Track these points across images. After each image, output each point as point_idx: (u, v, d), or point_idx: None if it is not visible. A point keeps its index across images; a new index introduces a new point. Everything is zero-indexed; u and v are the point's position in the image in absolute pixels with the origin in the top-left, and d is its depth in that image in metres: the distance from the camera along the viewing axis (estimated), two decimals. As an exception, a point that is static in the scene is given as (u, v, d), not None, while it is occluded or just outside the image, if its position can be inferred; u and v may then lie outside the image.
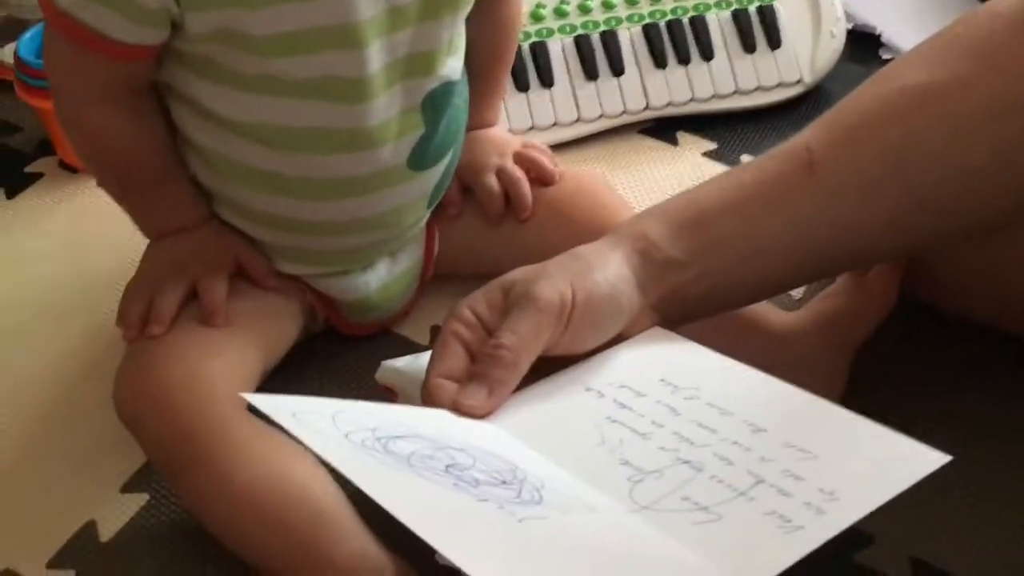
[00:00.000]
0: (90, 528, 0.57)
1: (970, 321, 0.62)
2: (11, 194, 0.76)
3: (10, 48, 0.83)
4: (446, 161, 0.60)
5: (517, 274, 0.49)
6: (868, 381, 0.59)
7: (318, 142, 0.54)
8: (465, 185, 0.65)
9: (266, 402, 0.42)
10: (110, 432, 0.60)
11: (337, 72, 0.52)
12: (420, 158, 0.57)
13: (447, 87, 0.57)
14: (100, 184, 0.60)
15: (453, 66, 0.57)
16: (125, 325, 0.57)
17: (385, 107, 0.54)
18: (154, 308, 0.56)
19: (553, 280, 0.47)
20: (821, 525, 0.39)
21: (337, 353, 0.64)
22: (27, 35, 0.75)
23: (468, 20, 0.58)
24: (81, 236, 0.73)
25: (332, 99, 0.53)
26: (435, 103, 0.56)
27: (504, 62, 0.66)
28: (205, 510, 0.52)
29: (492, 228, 0.65)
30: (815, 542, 0.38)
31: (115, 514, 0.57)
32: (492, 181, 0.64)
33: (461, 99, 0.60)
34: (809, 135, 0.52)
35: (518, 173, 0.64)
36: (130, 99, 0.55)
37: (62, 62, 0.54)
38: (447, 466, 0.41)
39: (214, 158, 0.57)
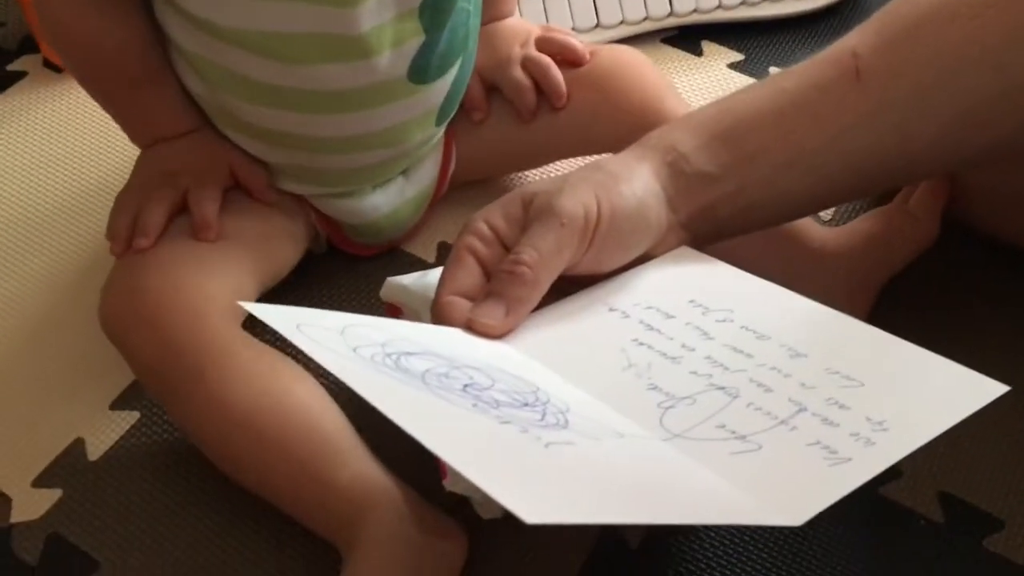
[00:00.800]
0: (78, 446, 0.54)
1: (1010, 244, 0.59)
2: (-7, 92, 0.73)
3: (-9, -63, 0.78)
4: (453, 73, 0.56)
5: (538, 186, 0.45)
6: (900, 307, 0.56)
7: (309, 50, 0.50)
8: (489, 84, 0.61)
9: (268, 312, 0.39)
10: (98, 349, 0.57)
11: None
12: (421, 70, 0.53)
13: None
14: (81, 84, 0.56)
15: None
16: (112, 238, 0.53)
17: (376, 10, 0.50)
18: (140, 220, 0.53)
19: (577, 192, 0.43)
20: (871, 457, 0.36)
21: (338, 271, 0.61)
22: (7, -79, 0.70)
23: None
24: (64, 141, 0.70)
25: (320, 1, 0.49)
26: (436, 7, 0.52)
27: None
28: (198, 430, 0.50)
29: (523, 126, 0.60)
30: (864, 476, 0.35)
31: (104, 432, 0.55)
32: (519, 73, 0.60)
33: (469, 3, 0.55)
34: (856, 39, 0.49)
35: (545, 58, 0.60)
36: None
37: None
38: (465, 385, 0.38)
39: (207, 68, 0.53)
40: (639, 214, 0.45)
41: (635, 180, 0.45)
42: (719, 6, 0.75)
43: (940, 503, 0.51)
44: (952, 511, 0.51)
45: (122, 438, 0.54)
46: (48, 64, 0.74)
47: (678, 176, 0.46)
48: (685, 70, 0.74)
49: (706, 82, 0.73)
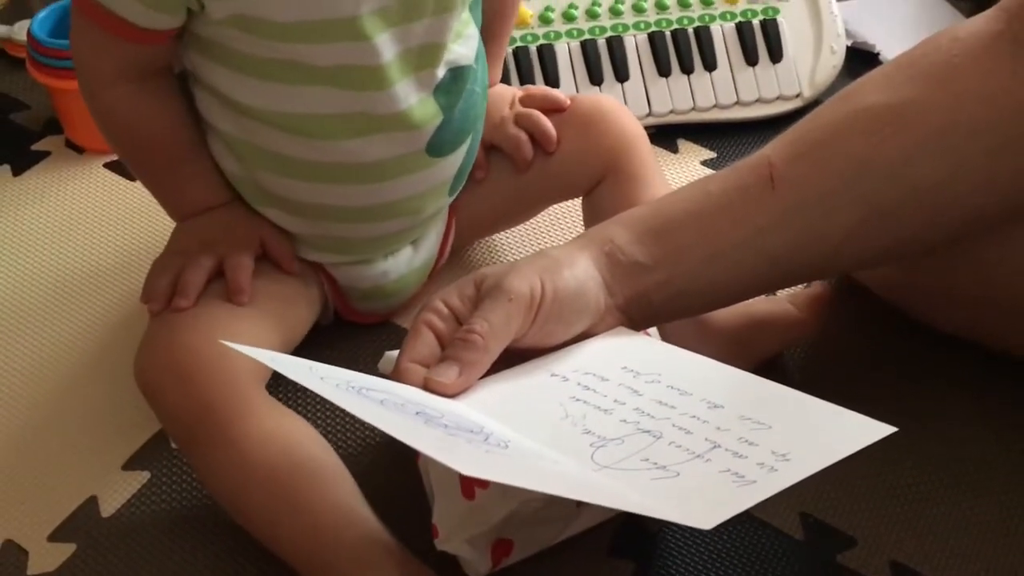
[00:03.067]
0: (92, 504, 0.58)
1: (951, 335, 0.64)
2: (17, 171, 0.77)
3: (20, 26, 0.83)
4: (465, 147, 0.61)
5: (489, 270, 0.51)
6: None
7: (336, 129, 0.56)
8: (487, 145, 0.66)
9: (257, 353, 0.45)
10: (112, 411, 0.62)
11: (349, 60, 0.54)
12: (439, 145, 0.59)
13: (457, 73, 0.58)
14: (125, 163, 0.61)
15: (460, 52, 0.58)
16: (152, 298, 0.57)
17: (403, 95, 0.56)
18: (181, 282, 0.57)
19: (524, 274, 0.49)
20: (773, 480, 0.41)
21: (337, 341, 0.65)
22: (41, 14, 0.76)
23: None
24: (85, 215, 0.74)
25: (347, 86, 0.54)
26: (448, 90, 0.58)
27: (505, 22, 0.67)
28: (217, 481, 0.53)
29: (518, 177, 0.65)
30: (766, 494, 0.41)
31: (117, 491, 0.58)
32: (514, 130, 0.66)
33: (478, 86, 0.61)
34: (772, 150, 0.54)
35: (535, 112, 0.66)
36: (148, 80, 0.56)
37: (85, 42, 0.55)
38: (417, 412, 0.44)
39: (238, 145, 0.58)
40: (579, 295, 0.50)
41: (576, 266, 0.51)
42: (693, 108, 0.81)
43: (892, 571, 0.55)
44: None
45: (134, 497, 0.58)
46: (70, 145, 0.79)
47: (615, 265, 0.52)
48: (662, 165, 0.78)
49: (681, 177, 0.79)
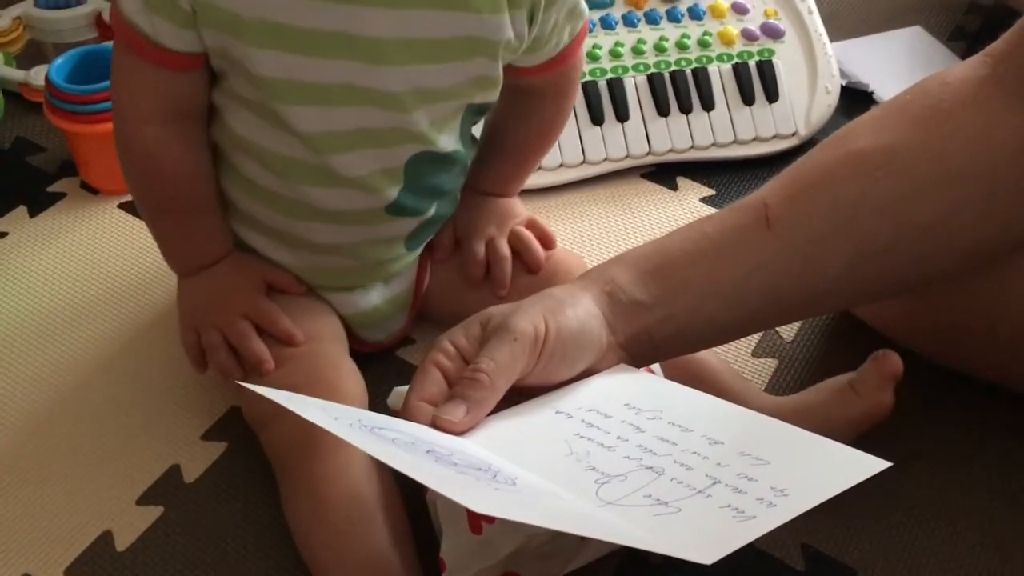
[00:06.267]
0: (106, 538, 0.59)
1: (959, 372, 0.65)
2: (34, 212, 0.79)
3: (37, 71, 0.86)
4: (428, 215, 0.63)
5: (495, 309, 0.52)
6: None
7: (299, 172, 0.58)
8: (458, 238, 0.68)
9: (260, 390, 0.47)
10: (125, 441, 0.63)
11: (315, 126, 0.55)
12: (397, 208, 0.61)
13: (435, 158, 0.59)
14: (140, 207, 0.63)
15: (444, 142, 0.59)
16: (225, 372, 0.60)
17: (358, 163, 0.57)
18: (246, 354, 0.60)
19: (528, 314, 0.50)
20: (772, 515, 0.43)
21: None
22: (58, 60, 0.78)
23: (508, 110, 0.62)
24: (101, 253, 0.76)
25: (312, 147, 0.56)
26: (419, 170, 0.59)
27: (538, 154, 0.69)
28: (297, 508, 0.56)
29: (497, 293, 0.66)
30: (765, 528, 0.42)
31: (132, 523, 0.60)
32: (479, 248, 0.67)
33: (456, 167, 0.62)
34: (767, 191, 0.56)
35: (505, 251, 0.66)
36: (182, 122, 0.58)
37: (124, 77, 0.57)
38: (427, 451, 0.45)
39: (234, 171, 0.60)
40: (582, 334, 0.51)
41: (578, 306, 0.52)
42: (692, 147, 0.83)
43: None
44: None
45: (146, 532, 0.59)
46: (85, 186, 0.81)
47: (615, 304, 0.53)
48: (661, 202, 0.82)
49: (680, 213, 0.81)
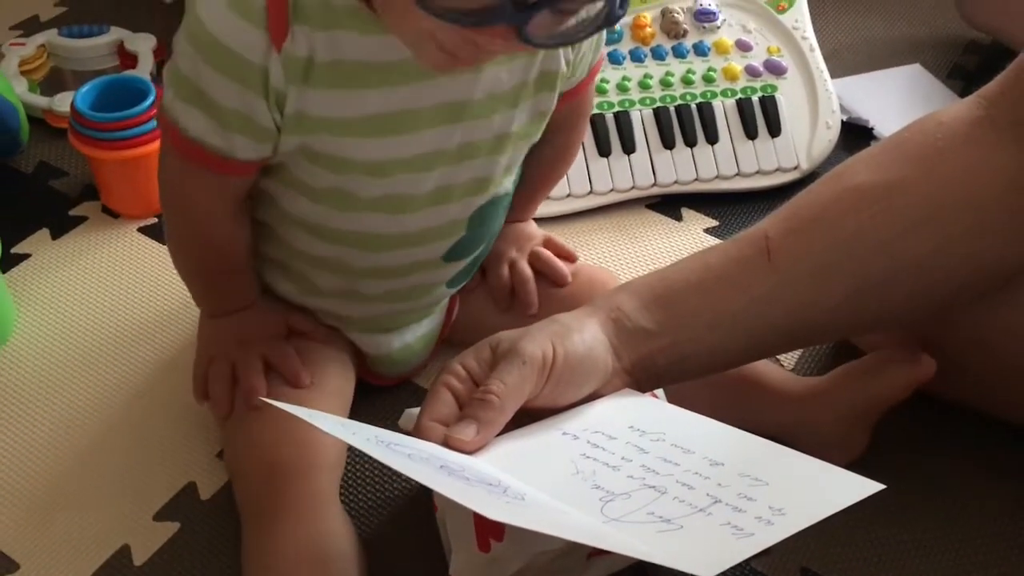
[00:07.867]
0: (124, 552, 0.61)
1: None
2: (56, 235, 0.81)
3: (61, 98, 0.88)
4: (476, 254, 0.65)
5: (504, 334, 0.54)
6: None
7: (368, 242, 0.60)
8: (482, 266, 0.70)
9: (282, 406, 0.49)
10: (138, 465, 0.65)
11: (399, 190, 0.57)
12: (455, 254, 0.63)
13: (496, 200, 0.62)
14: (177, 266, 0.64)
15: (507, 185, 0.62)
16: (217, 405, 0.61)
17: (434, 217, 0.59)
18: (246, 387, 0.60)
19: (536, 339, 0.52)
20: (770, 532, 0.44)
21: (360, 400, 0.68)
22: (84, 88, 0.80)
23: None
24: (121, 276, 0.78)
25: (387, 211, 0.58)
26: (483, 215, 0.62)
27: (555, 179, 0.72)
28: (262, 562, 0.56)
29: (525, 314, 0.68)
30: (763, 545, 0.44)
31: (148, 540, 0.61)
32: (504, 272, 0.69)
33: (505, 204, 0.65)
34: (768, 224, 0.58)
35: (528, 272, 0.69)
36: (237, 203, 0.59)
37: (179, 178, 0.58)
38: (440, 466, 0.47)
39: (283, 242, 0.62)
40: (588, 358, 0.53)
41: (585, 331, 0.54)
42: (696, 179, 0.85)
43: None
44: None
45: (163, 547, 0.61)
46: (106, 210, 0.83)
47: (621, 330, 0.55)
48: (666, 233, 0.83)
49: (684, 244, 0.82)
